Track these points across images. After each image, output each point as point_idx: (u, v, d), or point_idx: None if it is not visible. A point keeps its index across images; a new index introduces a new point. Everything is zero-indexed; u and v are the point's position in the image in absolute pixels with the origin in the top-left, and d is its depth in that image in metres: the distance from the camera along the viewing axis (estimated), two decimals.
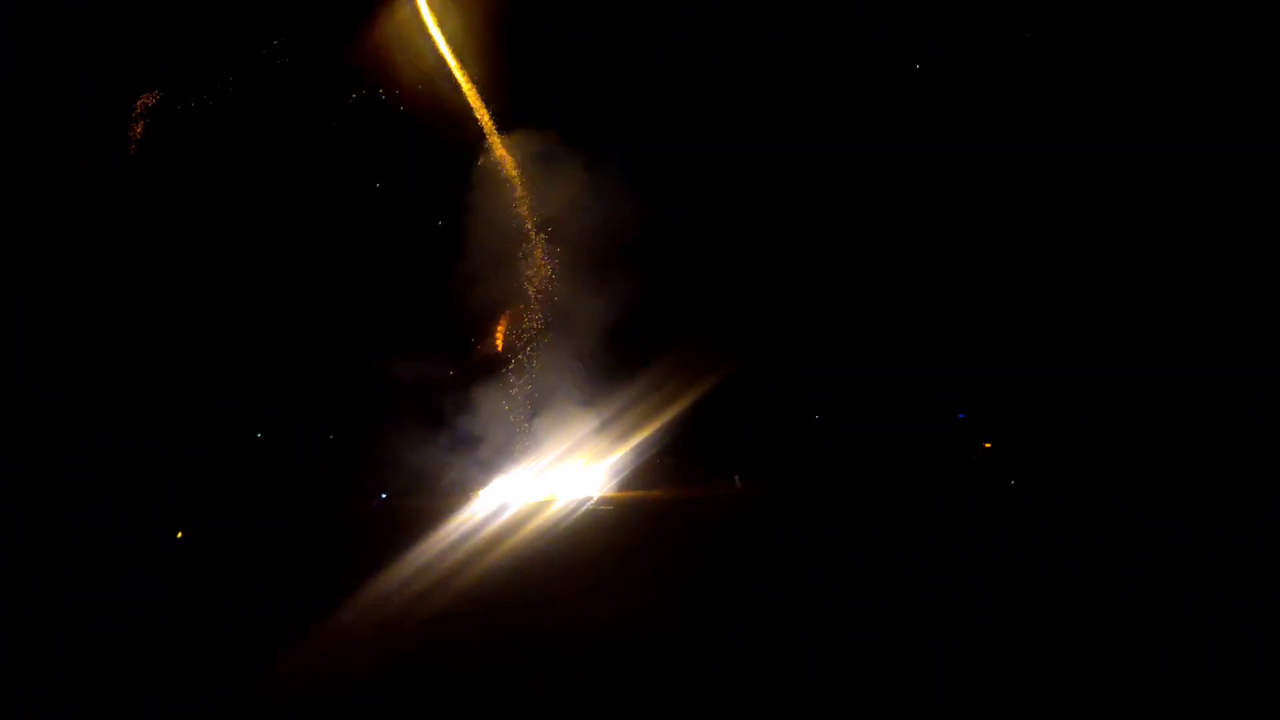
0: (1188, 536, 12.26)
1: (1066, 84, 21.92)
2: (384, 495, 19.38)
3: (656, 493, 20.80)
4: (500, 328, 23.79)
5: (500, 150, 23.03)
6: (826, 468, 22.47)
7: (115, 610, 10.64)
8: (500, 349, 23.67)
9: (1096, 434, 21.62)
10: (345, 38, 21.79)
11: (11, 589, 11.59)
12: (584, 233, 21.89)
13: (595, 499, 19.94)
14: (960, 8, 22.53)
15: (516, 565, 13.03)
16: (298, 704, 7.53)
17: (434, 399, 21.98)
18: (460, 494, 20.07)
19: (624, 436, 21.33)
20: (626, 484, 21.42)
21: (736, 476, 21.36)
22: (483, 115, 22.92)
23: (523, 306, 23.23)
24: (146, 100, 22.15)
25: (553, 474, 21.25)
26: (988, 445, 22.95)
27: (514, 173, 22.91)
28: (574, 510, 18.22)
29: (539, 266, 23.05)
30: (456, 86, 22.60)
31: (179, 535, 15.37)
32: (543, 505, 18.88)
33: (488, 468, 21.14)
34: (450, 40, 22.30)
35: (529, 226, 23.01)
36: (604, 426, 21.49)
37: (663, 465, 22.29)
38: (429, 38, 22.19)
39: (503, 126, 23.10)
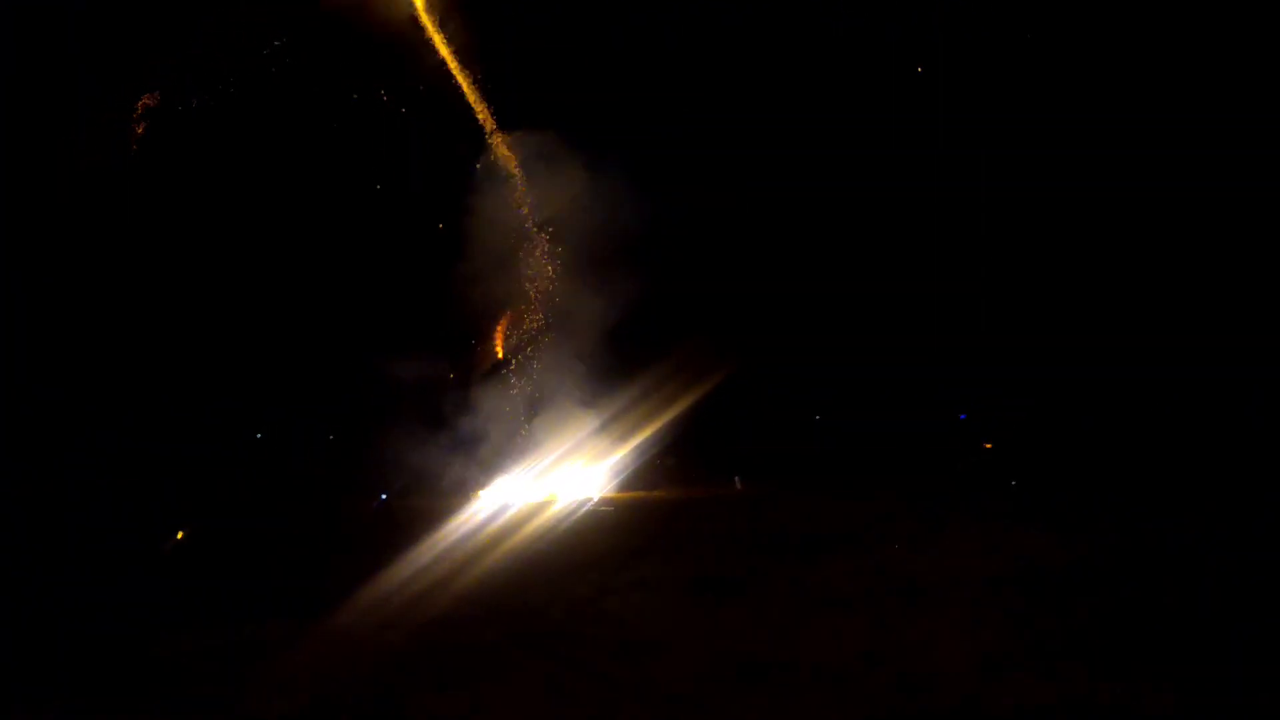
0: (1188, 537, 12.26)
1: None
2: (384, 495, 19.36)
3: (657, 493, 20.79)
4: (501, 328, 23.81)
5: (501, 150, 23.05)
6: (826, 468, 22.51)
7: (115, 610, 10.64)
8: (501, 349, 23.70)
9: (1096, 434, 21.64)
10: (345, 38, 21.83)
11: (11, 589, 11.58)
12: (585, 233, 21.91)
13: (596, 500, 19.93)
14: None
15: (517, 566, 13.03)
16: (297, 704, 7.53)
17: (434, 399, 22.00)
18: (460, 494, 20.05)
19: (624, 437, 21.34)
20: (627, 484, 21.42)
21: (737, 477, 21.35)
22: (483, 115, 22.94)
23: (523, 307, 23.26)
24: (146, 100, 22.15)
25: (553, 474, 21.24)
26: (988, 445, 22.98)
27: (515, 173, 22.93)
28: (574, 511, 18.21)
29: (540, 267, 23.06)
30: (456, 86, 22.64)
31: (179, 535, 15.36)
32: (543, 506, 18.87)
33: (488, 468, 21.12)
34: (450, 40, 22.34)
35: (530, 226, 23.03)
36: (604, 427, 21.51)
37: (663, 466, 22.32)
38: (429, 38, 22.23)
39: (503, 126, 23.16)
